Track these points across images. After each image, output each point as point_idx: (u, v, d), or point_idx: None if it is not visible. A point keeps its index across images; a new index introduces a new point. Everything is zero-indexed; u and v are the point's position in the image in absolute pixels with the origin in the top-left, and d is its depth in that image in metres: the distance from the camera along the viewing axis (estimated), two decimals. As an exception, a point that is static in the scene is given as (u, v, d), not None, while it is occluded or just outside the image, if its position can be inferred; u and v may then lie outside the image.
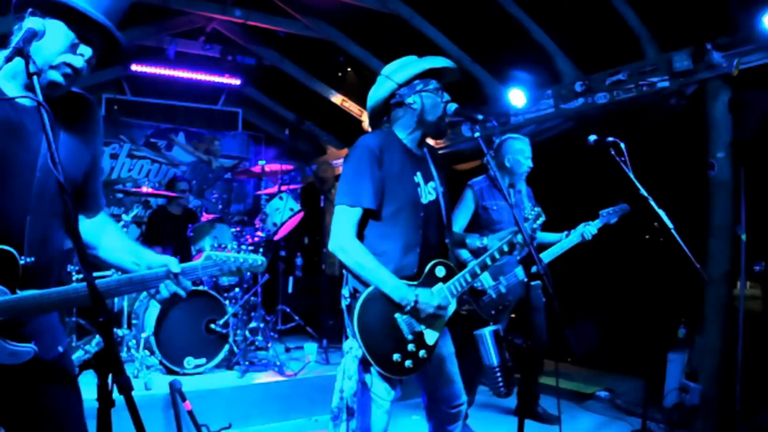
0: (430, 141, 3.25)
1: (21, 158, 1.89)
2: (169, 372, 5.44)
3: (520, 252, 3.11)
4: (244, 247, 6.11)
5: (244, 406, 5.17)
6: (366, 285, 2.83)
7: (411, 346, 2.82)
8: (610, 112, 6.03)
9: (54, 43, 1.89)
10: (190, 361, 5.50)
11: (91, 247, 2.17)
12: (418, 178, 3.02)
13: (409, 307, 2.78)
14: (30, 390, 1.93)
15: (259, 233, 6.39)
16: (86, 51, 1.95)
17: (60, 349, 2.04)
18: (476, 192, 4.89)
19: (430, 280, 2.93)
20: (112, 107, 9.51)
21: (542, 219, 3.31)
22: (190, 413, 4.60)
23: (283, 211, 6.33)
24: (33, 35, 1.76)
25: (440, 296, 2.88)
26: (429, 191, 3.05)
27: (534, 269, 3.09)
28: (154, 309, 5.53)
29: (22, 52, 1.72)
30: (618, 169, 3.85)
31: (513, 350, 3.81)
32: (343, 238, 2.84)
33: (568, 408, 5.58)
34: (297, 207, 6.46)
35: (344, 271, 2.96)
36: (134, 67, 8.87)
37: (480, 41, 6.86)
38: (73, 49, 1.93)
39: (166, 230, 6.84)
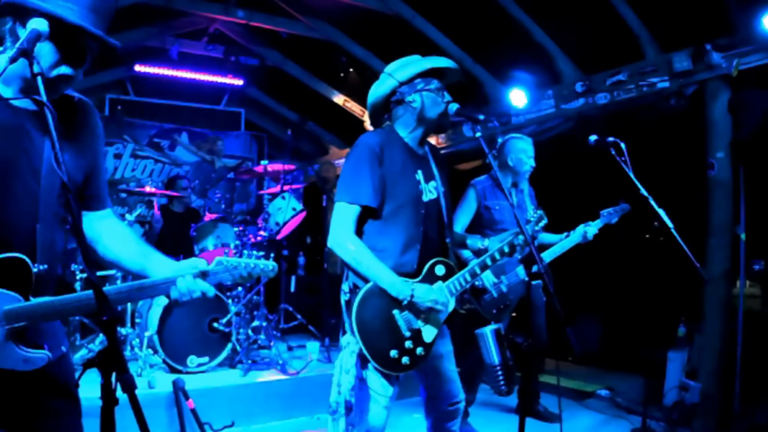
0: (431, 140, 3.28)
1: (25, 165, 1.87)
2: (173, 370, 5.45)
3: (521, 252, 3.13)
4: (250, 253, 6.12)
5: (246, 405, 5.17)
6: (366, 281, 2.85)
7: (408, 343, 2.84)
8: (611, 113, 6.03)
9: (44, 53, 1.84)
10: (193, 360, 5.51)
11: (94, 247, 2.14)
12: (419, 176, 3.03)
13: (405, 302, 2.79)
14: (32, 392, 1.92)
15: (261, 232, 6.40)
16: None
17: (63, 349, 2.04)
18: (479, 191, 4.90)
19: (430, 278, 2.94)
20: (116, 107, 9.56)
21: (544, 222, 3.29)
22: (193, 411, 4.62)
23: (285, 211, 6.35)
24: (38, 36, 1.72)
25: (439, 294, 2.89)
26: (430, 190, 3.06)
27: (535, 268, 3.11)
28: (158, 308, 5.55)
29: (27, 53, 1.68)
30: (618, 168, 3.87)
31: (514, 349, 3.82)
32: (341, 235, 2.87)
33: (568, 406, 5.58)
34: (299, 206, 6.47)
35: (345, 268, 2.98)
36: (138, 68, 8.89)
37: (481, 42, 6.88)
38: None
39: (169, 229, 6.87)
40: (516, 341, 5.21)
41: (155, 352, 5.52)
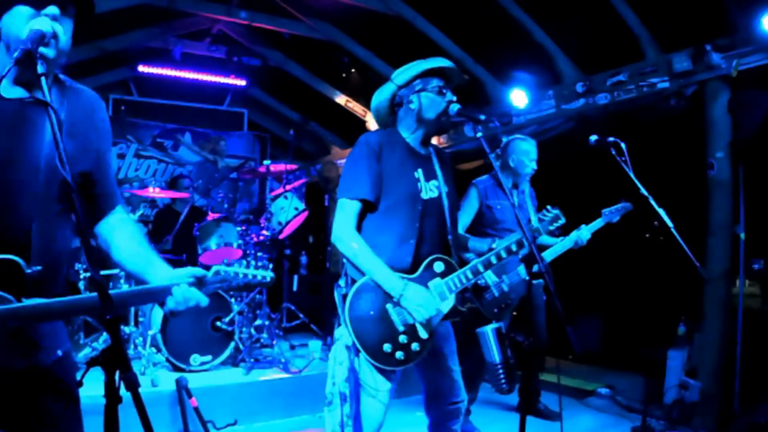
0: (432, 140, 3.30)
1: (22, 161, 1.81)
2: (176, 369, 5.47)
3: (522, 251, 3.15)
4: (253, 253, 6.15)
5: (249, 403, 5.18)
6: (362, 275, 2.88)
7: (403, 338, 2.83)
8: (611, 113, 6.04)
9: (18, 20, 1.77)
10: (196, 359, 5.53)
11: (104, 247, 2.08)
12: (419, 174, 3.05)
13: (396, 299, 2.81)
14: (29, 394, 1.89)
15: (264, 232, 6.42)
16: (50, 10, 1.79)
17: (59, 353, 1.97)
18: (480, 191, 4.92)
19: (428, 275, 2.95)
20: (119, 108, 9.60)
21: (561, 221, 3.24)
22: (196, 409, 4.63)
23: (287, 210, 6.37)
24: (41, 37, 1.70)
25: (436, 291, 2.90)
26: (430, 188, 3.07)
27: (536, 268, 3.12)
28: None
29: (31, 53, 1.66)
30: (618, 168, 3.89)
31: (515, 348, 3.84)
32: (341, 229, 2.93)
33: (569, 405, 5.59)
34: (302, 206, 6.49)
35: (344, 262, 3.02)
36: (141, 68, 8.95)
37: (482, 42, 6.90)
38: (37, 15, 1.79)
39: (171, 228, 6.89)
40: (517, 340, 5.22)
41: (158, 350, 5.54)
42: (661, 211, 3.82)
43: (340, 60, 8.62)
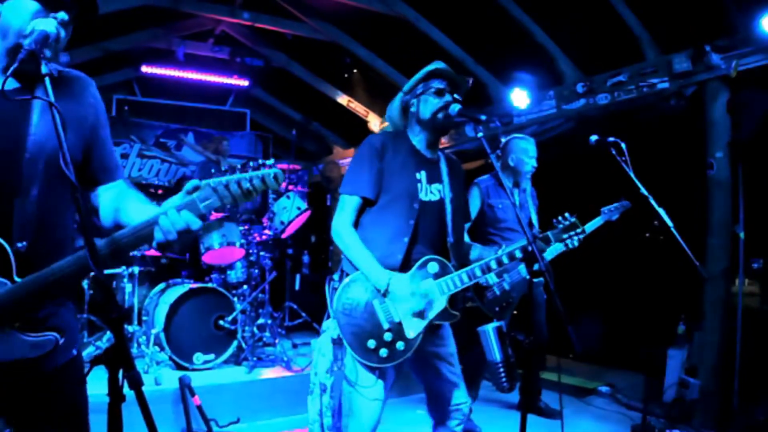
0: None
1: (3, 141, 1.79)
2: (179, 367, 5.51)
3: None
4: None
5: (252, 401, 5.21)
6: (355, 269, 2.94)
7: (387, 336, 2.85)
8: (611, 113, 6.05)
9: (22, 12, 1.78)
10: (199, 357, 5.57)
11: (114, 224, 1.96)
12: (421, 175, 3.08)
13: (382, 291, 2.85)
14: (44, 389, 1.89)
15: (266, 231, 6.45)
16: (61, 15, 1.80)
17: (74, 351, 2.00)
18: (482, 190, 4.94)
19: (420, 274, 2.96)
20: (123, 108, 9.62)
21: (578, 230, 3.13)
22: (199, 408, 4.65)
23: (290, 210, 6.39)
24: (45, 37, 1.71)
25: (425, 290, 2.90)
26: (431, 191, 3.09)
27: (536, 267, 3.13)
28: (164, 306, 5.60)
29: (35, 54, 1.68)
30: (619, 168, 3.90)
31: (515, 346, 3.85)
32: (338, 223, 3.02)
33: (569, 403, 5.62)
34: (304, 206, 6.51)
35: (342, 257, 3.06)
36: (144, 69, 8.96)
37: (484, 43, 6.91)
38: (44, 14, 1.79)
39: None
40: (518, 338, 5.24)
41: (162, 349, 5.58)
42: (661, 211, 3.83)
43: (343, 61, 8.63)
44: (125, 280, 6.05)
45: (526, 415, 2.94)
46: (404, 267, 2.97)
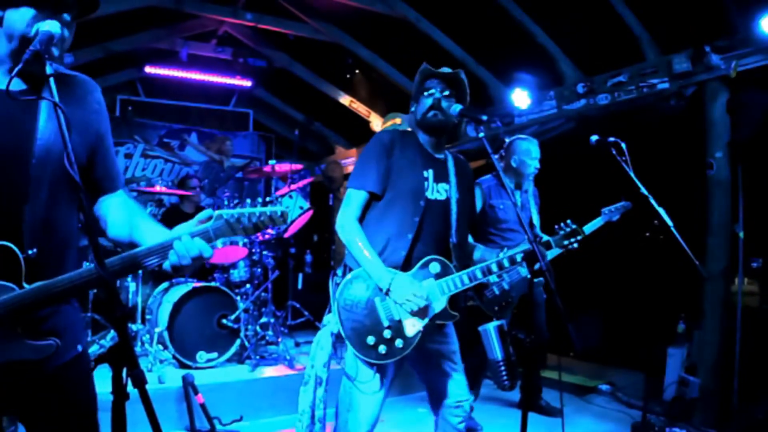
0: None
1: (11, 146, 1.80)
2: (182, 366, 5.52)
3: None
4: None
5: (254, 399, 5.22)
6: (358, 265, 2.95)
7: (387, 333, 2.86)
8: (612, 113, 6.06)
9: (25, 14, 1.79)
10: (202, 356, 5.58)
11: (129, 241, 1.98)
12: (428, 174, 3.10)
13: (384, 290, 2.86)
14: (50, 387, 1.89)
15: (269, 231, 6.47)
16: (62, 15, 1.82)
17: (79, 348, 2.00)
18: (484, 190, 4.94)
19: (422, 274, 2.97)
20: (127, 108, 9.67)
21: (579, 237, 3.14)
22: (203, 406, 4.68)
23: (292, 210, 6.42)
24: (50, 38, 1.71)
25: (427, 290, 2.91)
26: (438, 190, 3.11)
27: (537, 266, 3.15)
28: (168, 305, 5.62)
29: (40, 54, 1.68)
30: (619, 168, 3.91)
31: (516, 345, 3.87)
32: (344, 217, 3.02)
33: (570, 401, 5.64)
34: (306, 205, 6.55)
35: (346, 252, 3.07)
36: (148, 69, 9.02)
37: (485, 44, 6.93)
38: (47, 15, 1.80)
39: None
40: (518, 337, 5.27)
41: (165, 347, 5.59)
42: (661, 211, 3.84)
43: (345, 61, 8.65)
44: (129, 279, 6.09)
45: (527, 413, 2.95)
46: (407, 264, 2.98)
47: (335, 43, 7.91)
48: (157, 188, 6.66)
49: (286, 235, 6.62)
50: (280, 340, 6.27)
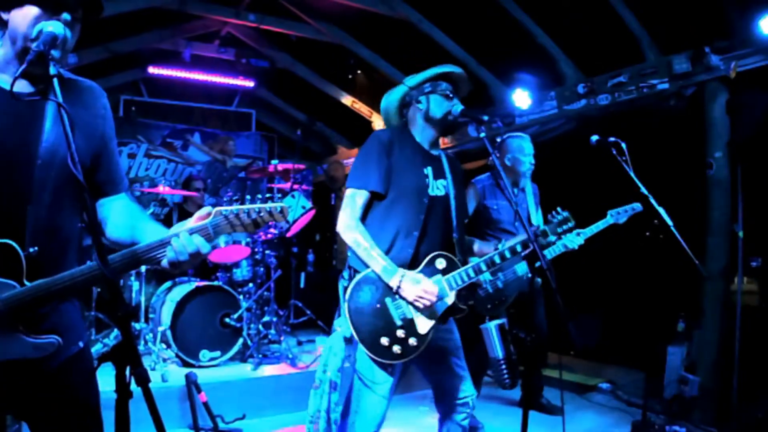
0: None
1: (17, 148, 1.82)
2: (185, 364, 5.54)
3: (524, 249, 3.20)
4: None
5: (257, 398, 5.24)
6: (365, 266, 2.93)
7: (400, 332, 2.87)
8: (612, 113, 6.08)
9: (29, 16, 1.81)
10: (205, 354, 5.60)
11: (131, 242, 1.95)
12: (428, 171, 3.11)
13: (395, 289, 2.85)
14: (51, 385, 1.91)
15: (272, 230, 6.50)
16: (64, 16, 1.83)
17: (81, 344, 2.02)
18: (478, 190, 4.95)
19: (429, 271, 2.98)
20: (130, 108, 9.68)
21: (571, 224, 3.18)
22: (206, 404, 4.70)
23: (295, 209, 6.43)
24: (54, 38, 1.73)
25: (428, 285, 2.90)
26: (438, 186, 3.13)
27: (537, 265, 3.16)
28: (171, 303, 5.64)
29: (43, 55, 1.70)
30: (619, 168, 3.93)
31: (517, 344, 3.88)
32: (347, 218, 2.98)
33: (570, 399, 5.66)
34: (308, 205, 6.57)
35: (348, 254, 3.06)
36: (151, 70, 9.04)
37: (486, 45, 6.94)
38: (50, 16, 1.82)
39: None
40: (519, 336, 5.28)
41: (168, 346, 5.62)
42: (661, 210, 3.86)
43: (347, 62, 8.67)
44: (132, 278, 6.11)
45: (528, 411, 2.97)
46: (413, 262, 2.99)
47: (337, 43, 7.92)
48: (161, 188, 6.68)
49: (288, 235, 6.65)
50: (282, 338, 6.30)
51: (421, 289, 2.84)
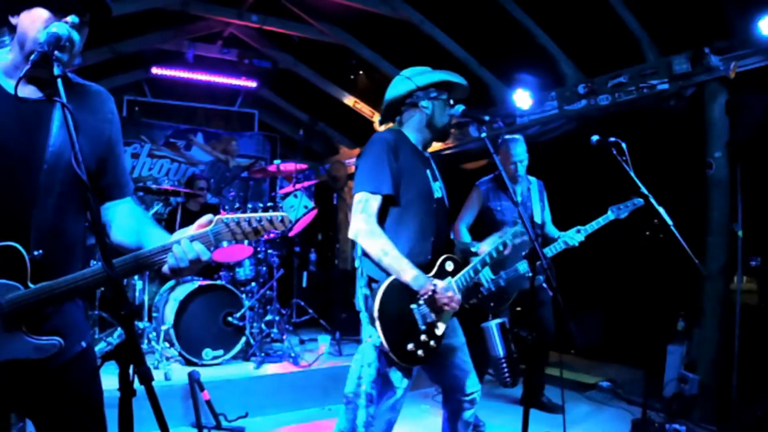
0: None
1: (23, 152, 1.83)
2: (188, 363, 5.57)
3: (524, 247, 3.21)
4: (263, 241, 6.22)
5: (259, 396, 5.27)
6: (382, 272, 2.89)
7: (423, 336, 2.90)
8: (612, 113, 6.09)
9: (36, 20, 1.82)
10: (208, 353, 5.64)
11: (137, 247, 1.96)
12: (428, 173, 3.16)
13: (427, 296, 2.84)
14: (53, 384, 1.92)
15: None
16: (71, 18, 1.82)
17: (83, 344, 2.03)
18: (482, 192, 4.99)
19: (441, 274, 3.03)
20: (133, 109, 9.73)
21: (522, 239, 3.21)
22: (208, 402, 4.74)
23: (297, 209, 6.45)
24: (57, 39, 1.73)
25: (455, 290, 2.97)
26: (436, 189, 3.17)
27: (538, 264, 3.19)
28: (174, 302, 5.67)
29: (48, 56, 1.70)
30: (619, 167, 3.93)
31: (518, 342, 3.92)
32: (365, 224, 2.89)
33: (571, 398, 5.69)
34: (311, 204, 6.57)
35: (357, 262, 3.05)
36: (154, 70, 9.06)
37: (487, 45, 6.95)
38: (57, 19, 1.82)
39: (184, 227, 6.97)
40: (521, 335, 5.32)
41: (171, 345, 5.65)
42: (661, 210, 3.86)
43: (349, 62, 8.68)
44: (136, 277, 6.14)
45: (529, 409, 3.00)
46: (429, 266, 3.02)
47: (339, 44, 7.94)
48: (164, 187, 6.71)
49: (290, 234, 6.66)
50: (284, 337, 6.32)
51: (450, 296, 2.88)
